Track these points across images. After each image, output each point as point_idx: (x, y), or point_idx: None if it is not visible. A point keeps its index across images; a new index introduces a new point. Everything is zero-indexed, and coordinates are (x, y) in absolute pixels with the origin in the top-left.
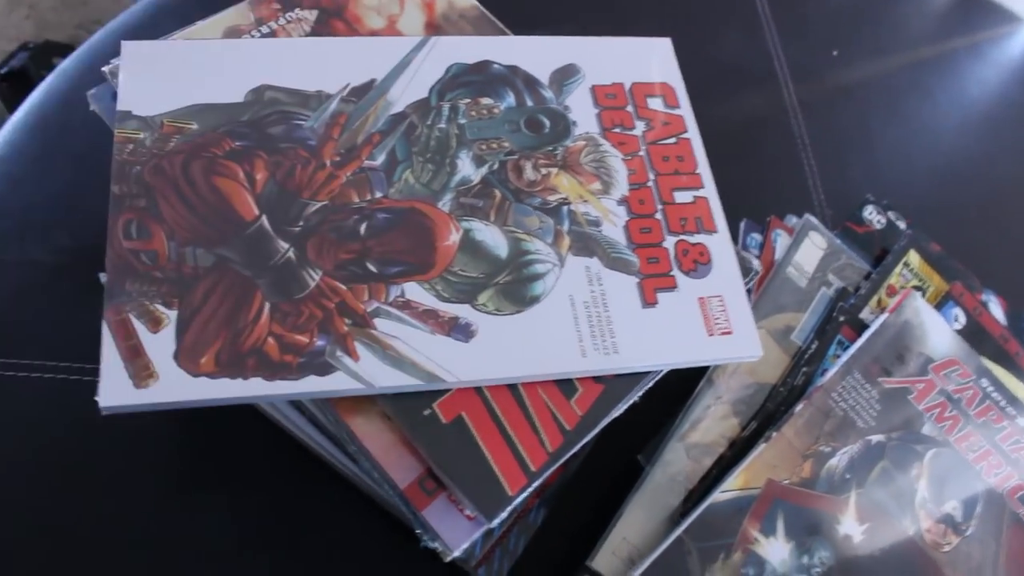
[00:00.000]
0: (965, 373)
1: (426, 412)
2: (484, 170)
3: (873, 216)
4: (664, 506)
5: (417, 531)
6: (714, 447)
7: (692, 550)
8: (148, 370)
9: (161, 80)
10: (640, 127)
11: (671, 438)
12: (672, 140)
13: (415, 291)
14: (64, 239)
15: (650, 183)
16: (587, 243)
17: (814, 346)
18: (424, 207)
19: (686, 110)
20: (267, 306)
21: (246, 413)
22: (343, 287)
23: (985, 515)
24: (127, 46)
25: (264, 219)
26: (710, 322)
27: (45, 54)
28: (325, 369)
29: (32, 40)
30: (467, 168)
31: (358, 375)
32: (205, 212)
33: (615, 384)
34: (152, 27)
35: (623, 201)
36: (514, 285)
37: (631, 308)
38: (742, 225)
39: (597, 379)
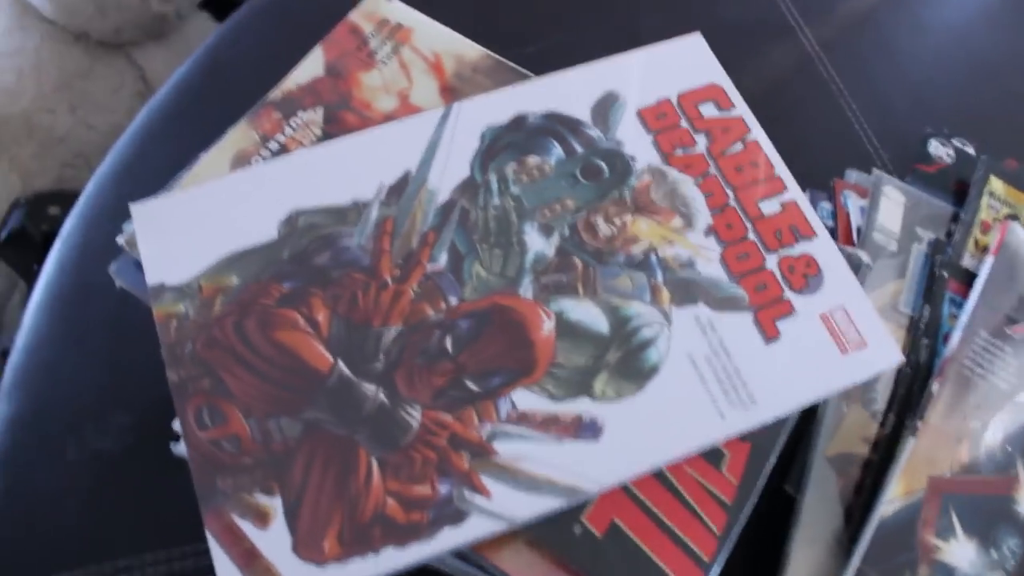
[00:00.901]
0: None
1: (577, 531)
2: (556, 239)
3: (940, 150)
4: (829, 534)
5: None
6: (856, 453)
7: None
8: (271, 573)
9: (184, 239)
10: (702, 142)
11: (813, 457)
12: (739, 146)
13: (526, 398)
14: (123, 418)
15: (731, 202)
16: (688, 289)
17: (927, 312)
18: (506, 300)
19: (742, 107)
20: (375, 463)
21: None
22: (449, 417)
23: None
24: (137, 211)
25: (340, 364)
26: (841, 339)
27: (39, 206)
28: (458, 517)
29: (22, 195)
30: (537, 242)
31: (496, 513)
32: (275, 375)
33: (761, 436)
34: (142, 160)
35: (710, 231)
36: (627, 360)
37: (755, 348)
38: (807, 195)
39: (743, 437)
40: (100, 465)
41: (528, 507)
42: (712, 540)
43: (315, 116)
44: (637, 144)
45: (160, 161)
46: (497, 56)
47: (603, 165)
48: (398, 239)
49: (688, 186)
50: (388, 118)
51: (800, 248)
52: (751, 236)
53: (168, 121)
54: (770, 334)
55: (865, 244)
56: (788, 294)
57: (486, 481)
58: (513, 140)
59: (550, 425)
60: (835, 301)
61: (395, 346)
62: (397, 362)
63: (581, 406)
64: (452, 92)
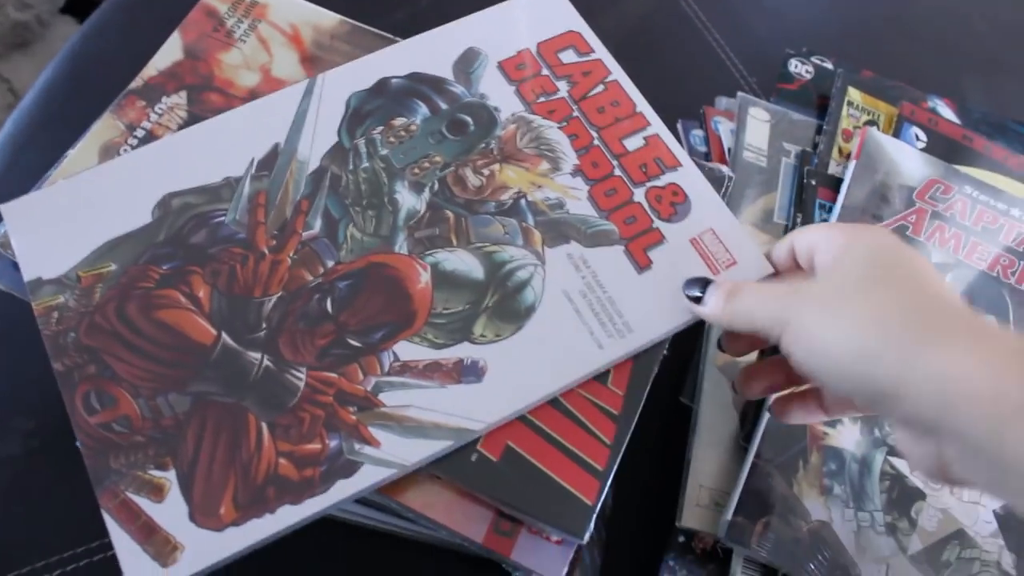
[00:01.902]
0: (947, 188)
1: (473, 457)
2: (426, 195)
3: (799, 68)
4: (726, 437)
5: (508, 570)
6: (745, 361)
7: (771, 470)
8: (170, 544)
9: (58, 231)
10: (563, 87)
11: (704, 368)
12: (600, 88)
13: (408, 349)
14: (25, 423)
15: (596, 142)
16: (559, 229)
17: (799, 220)
18: (382, 258)
19: (601, 51)
20: (264, 427)
21: None
22: (333, 375)
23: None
24: (7, 209)
25: (224, 336)
26: (711, 260)
27: None
28: (350, 468)
29: None
30: (408, 200)
31: (386, 460)
32: (161, 354)
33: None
34: (12, 170)
35: (577, 171)
36: (504, 302)
37: (628, 279)
38: (679, 126)
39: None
40: (6, 471)
41: (417, 452)
42: (604, 450)
43: (179, 100)
44: (500, 96)
45: (30, 167)
46: (353, 21)
47: (468, 119)
48: (272, 210)
49: (552, 131)
50: (252, 93)
51: (666, 179)
52: (617, 172)
53: (35, 127)
54: (642, 264)
55: (736, 163)
56: (657, 223)
57: (374, 432)
58: (377, 104)
59: (433, 372)
60: (703, 225)
61: (276, 313)
62: (279, 328)
63: (462, 351)
64: (313, 61)
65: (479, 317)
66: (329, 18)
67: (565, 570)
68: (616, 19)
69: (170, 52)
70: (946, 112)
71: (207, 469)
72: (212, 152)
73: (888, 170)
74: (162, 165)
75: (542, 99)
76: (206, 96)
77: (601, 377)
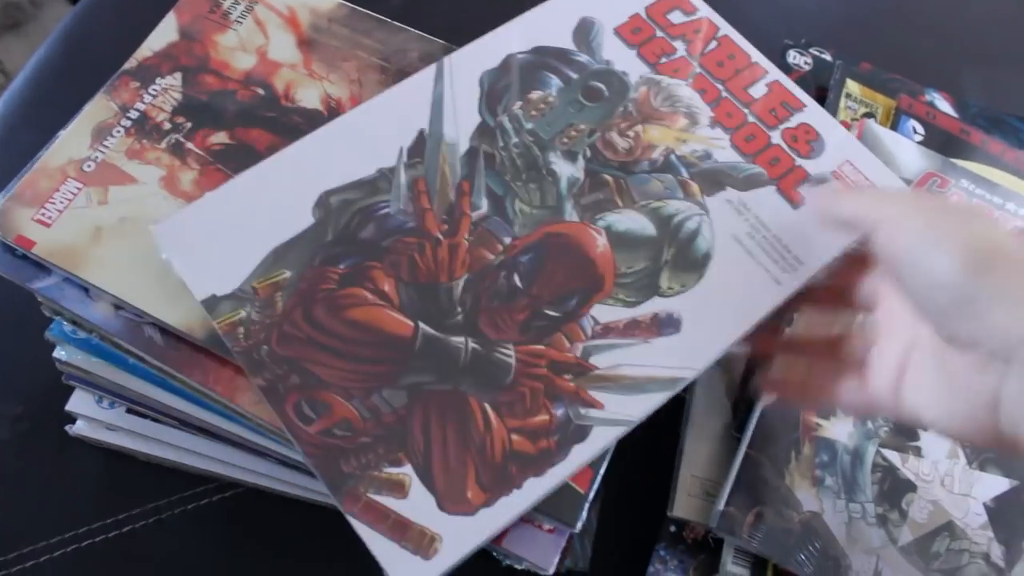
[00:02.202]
0: (944, 182)
1: None
2: (581, 162)
3: (798, 59)
4: (719, 428)
5: (499, 558)
6: (738, 352)
7: (763, 460)
8: (427, 536)
9: (220, 246)
10: (680, 47)
11: None
12: (714, 44)
13: (604, 312)
14: (15, 408)
15: (724, 94)
16: (713, 178)
17: None
18: (556, 227)
19: (705, 9)
20: (488, 407)
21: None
22: (541, 347)
23: None
24: (160, 232)
25: (422, 325)
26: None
27: None
28: (583, 433)
29: None
30: (566, 169)
31: (614, 420)
32: (362, 352)
33: None
34: (5, 148)
35: (714, 123)
36: (681, 254)
37: (786, 215)
38: None
39: None
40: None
41: (640, 407)
42: None
43: (174, 81)
44: (624, 60)
45: (23, 148)
46: (351, 5)
47: (601, 85)
48: (435, 195)
49: (682, 88)
50: (247, 76)
51: (796, 119)
52: (751, 119)
53: (28, 107)
54: (795, 200)
55: None
56: (799, 161)
57: (595, 395)
58: (510, 80)
59: (633, 329)
60: (840, 158)
61: (468, 295)
62: (475, 309)
63: (655, 306)
64: (310, 44)
65: (662, 271)
66: (327, 1)
67: (557, 558)
68: None
69: (165, 33)
70: (944, 106)
71: (443, 458)
72: (358, 146)
73: (885, 163)
74: (311, 165)
75: (664, 60)
76: (201, 78)
77: None
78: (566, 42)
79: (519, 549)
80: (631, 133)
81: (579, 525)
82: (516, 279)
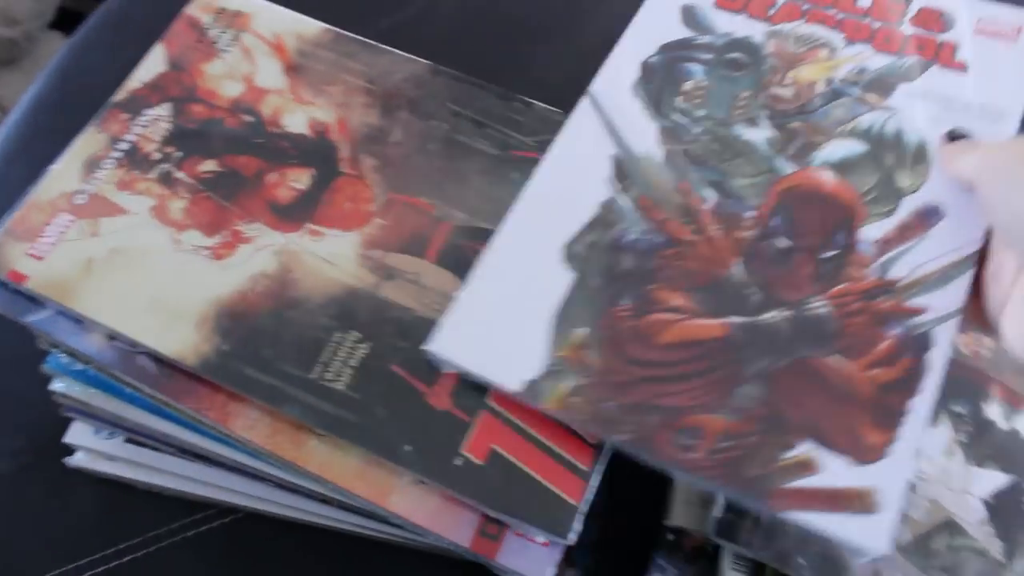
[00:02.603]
0: None
1: (459, 463)
2: (765, 123)
3: None
4: None
5: (497, 573)
6: None
7: None
8: (860, 494)
9: (504, 336)
10: None
11: None
12: None
13: (872, 231)
14: (16, 442)
15: (839, 15)
16: (881, 83)
17: None
18: (784, 183)
19: None
20: (836, 359)
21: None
22: (842, 286)
23: None
24: (437, 348)
25: (730, 319)
26: (1002, 31)
27: None
28: (925, 340)
29: None
30: (756, 134)
31: (943, 315)
32: (697, 367)
33: None
34: (3, 181)
35: (849, 42)
36: (900, 153)
37: (962, 83)
38: None
39: None
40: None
41: (956, 292)
42: (588, 450)
43: (163, 112)
44: (740, 25)
45: (18, 182)
46: (337, 29)
47: (737, 54)
48: (664, 206)
49: (803, 27)
50: (235, 103)
51: (913, 6)
52: (876, 25)
53: (24, 141)
54: (959, 67)
55: None
56: (941, 38)
57: (912, 303)
58: (660, 81)
59: (906, 233)
60: (971, 20)
61: (751, 275)
62: (765, 283)
63: (910, 205)
64: (296, 70)
65: (894, 174)
66: (312, 27)
67: (552, 571)
68: (604, 18)
69: (154, 64)
70: None
71: (828, 420)
72: (567, 195)
73: None
74: (536, 232)
75: (771, 11)
76: (190, 107)
77: None
78: (683, 32)
79: (513, 564)
80: (788, 80)
81: (571, 537)
82: (779, 241)
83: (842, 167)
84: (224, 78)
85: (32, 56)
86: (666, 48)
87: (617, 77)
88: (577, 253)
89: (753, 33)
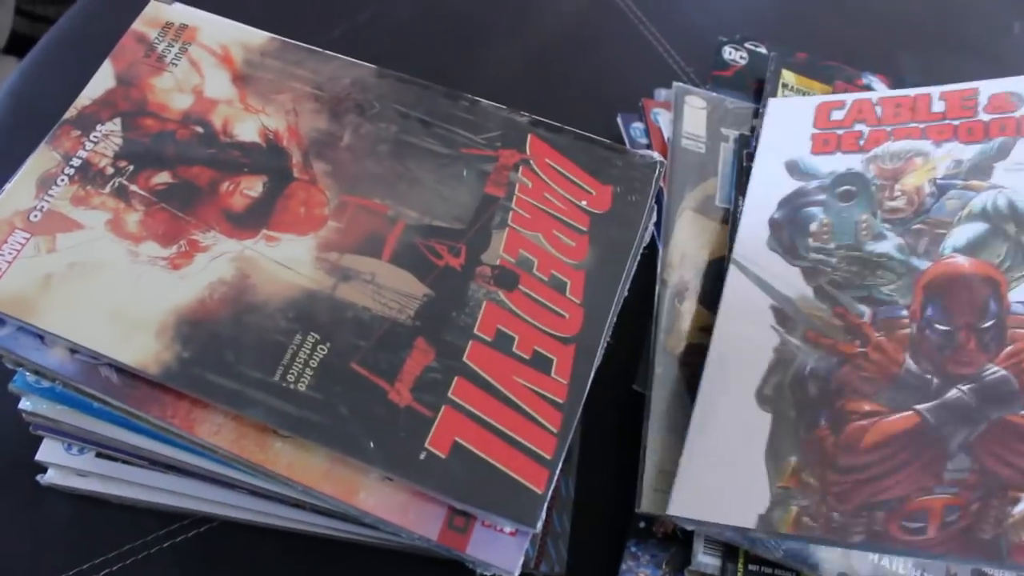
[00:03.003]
0: None
1: (423, 456)
2: (890, 234)
3: (734, 55)
4: (680, 422)
5: (468, 565)
6: (697, 343)
7: None
8: None
9: (727, 484)
10: (862, 128)
11: (655, 354)
12: (879, 109)
13: (1019, 292)
14: None
15: (922, 126)
16: (979, 168)
17: (741, 203)
18: (925, 278)
19: (847, 96)
20: None
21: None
22: (1011, 347)
23: None
24: (679, 507)
25: (919, 407)
26: None
27: None
28: None
29: None
30: (886, 245)
31: None
32: (902, 457)
33: (584, 337)
34: None
35: (939, 144)
36: (1020, 221)
37: None
38: (619, 119)
39: (566, 340)
40: None
41: None
42: (551, 438)
43: (114, 127)
44: (840, 163)
45: None
46: (283, 38)
47: (846, 187)
48: (829, 331)
49: (893, 144)
50: (186, 115)
51: (983, 97)
52: (956, 123)
53: None
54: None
55: (675, 152)
56: (1018, 114)
57: None
58: (788, 232)
59: None
60: None
61: (923, 364)
62: (938, 367)
63: None
64: (244, 79)
65: (1021, 240)
66: (259, 36)
67: (520, 560)
68: (552, 17)
69: (102, 81)
70: (880, 87)
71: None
72: (744, 347)
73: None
74: (725, 383)
75: (861, 142)
76: (140, 121)
77: (544, 367)
78: (793, 184)
79: (482, 554)
80: (897, 192)
81: (539, 525)
82: (940, 327)
83: (971, 248)
84: (173, 91)
85: None
86: (784, 203)
87: (751, 239)
88: (768, 396)
89: (853, 165)
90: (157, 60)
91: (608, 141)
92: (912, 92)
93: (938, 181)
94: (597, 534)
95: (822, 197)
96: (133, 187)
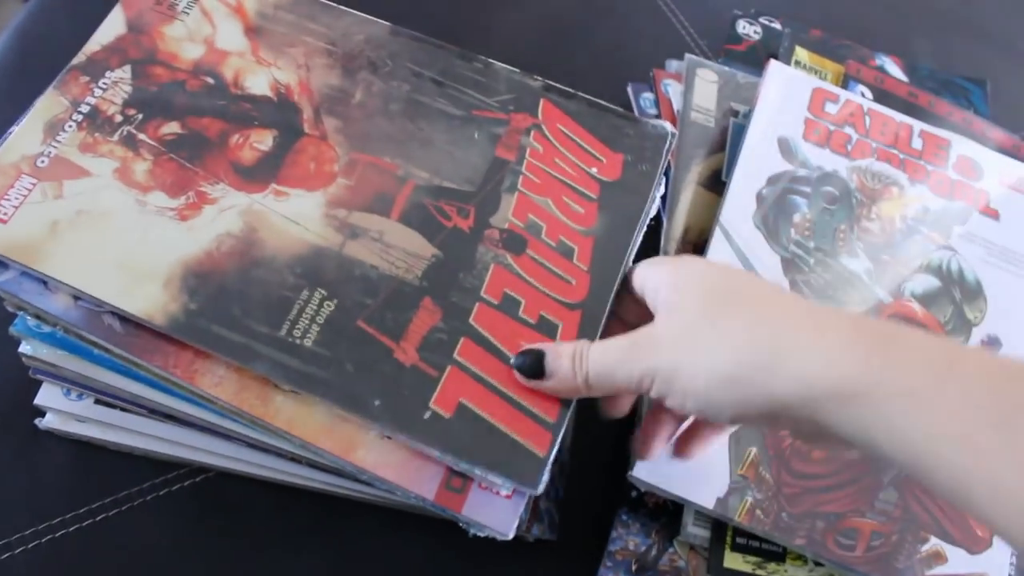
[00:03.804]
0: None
1: (427, 416)
2: (861, 255)
3: (747, 29)
4: None
5: (462, 525)
6: None
7: None
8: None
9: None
10: (851, 132)
11: None
12: (868, 118)
13: None
14: None
15: (902, 156)
16: (941, 223)
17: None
18: (888, 311)
19: (844, 93)
20: None
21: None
22: None
23: None
24: (644, 472)
25: None
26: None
27: None
28: None
29: None
30: (857, 264)
31: None
32: (845, 476)
33: (590, 304)
34: None
35: (912, 182)
36: (965, 289)
37: (994, 228)
38: (629, 89)
39: (572, 306)
40: None
41: None
42: (555, 403)
43: (123, 74)
44: (826, 159)
45: None
46: None
47: (831, 189)
48: None
49: (875, 164)
50: (196, 65)
51: (954, 153)
52: (929, 168)
53: None
54: (994, 215)
55: (684, 124)
56: (977, 185)
57: None
58: (774, 212)
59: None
60: (997, 174)
61: None
62: None
63: (977, 334)
64: (256, 32)
65: (963, 308)
66: None
67: (515, 522)
68: None
69: (112, 26)
70: (894, 70)
71: (947, 520)
72: None
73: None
74: None
75: (849, 146)
76: (150, 70)
77: (550, 331)
78: (782, 163)
79: (478, 515)
80: (874, 215)
81: (541, 487)
82: None
83: (925, 299)
84: (184, 40)
85: None
86: (772, 180)
87: (738, 208)
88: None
89: (838, 168)
90: (169, 8)
91: (620, 109)
92: (898, 118)
93: (908, 220)
94: (590, 502)
95: (807, 190)
96: (142, 136)
